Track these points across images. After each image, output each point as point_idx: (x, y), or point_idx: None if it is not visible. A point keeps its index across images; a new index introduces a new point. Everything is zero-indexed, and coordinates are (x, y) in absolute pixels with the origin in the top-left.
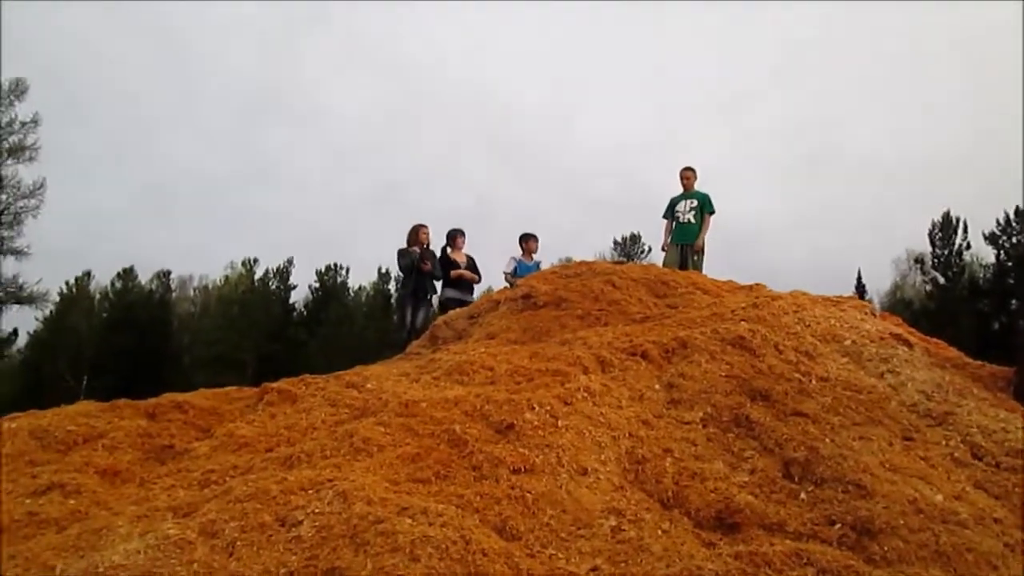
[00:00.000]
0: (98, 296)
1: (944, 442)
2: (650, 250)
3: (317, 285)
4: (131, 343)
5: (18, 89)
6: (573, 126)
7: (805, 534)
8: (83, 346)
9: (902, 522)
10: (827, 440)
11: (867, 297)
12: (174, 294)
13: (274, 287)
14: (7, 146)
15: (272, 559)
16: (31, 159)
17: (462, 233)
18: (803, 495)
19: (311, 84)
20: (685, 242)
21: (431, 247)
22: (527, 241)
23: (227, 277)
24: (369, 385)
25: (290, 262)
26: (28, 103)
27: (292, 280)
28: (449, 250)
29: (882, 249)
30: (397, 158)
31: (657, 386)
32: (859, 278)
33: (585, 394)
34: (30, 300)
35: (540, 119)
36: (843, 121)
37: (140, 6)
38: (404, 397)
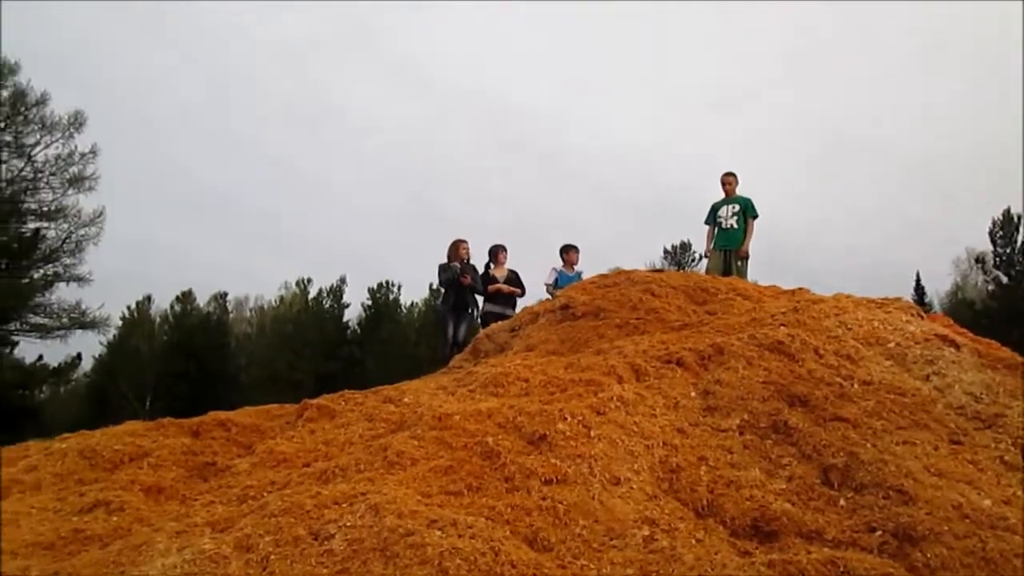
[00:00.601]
0: (158, 320)
1: (993, 445)
2: (700, 258)
3: (370, 303)
4: (191, 365)
5: (77, 121)
6: (608, 134)
7: (844, 542)
8: (145, 369)
9: (946, 528)
10: (868, 445)
11: (927, 299)
12: (231, 316)
13: (328, 306)
14: (67, 177)
15: (304, 572)
16: (90, 189)
17: (503, 248)
18: (842, 502)
19: (358, 104)
20: (728, 247)
21: (471, 262)
22: (568, 252)
23: (282, 298)
24: (406, 399)
25: (343, 281)
26: (87, 134)
27: (345, 299)
28: (491, 266)
29: (942, 250)
30: (441, 174)
31: (693, 393)
32: (918, 280)
33: (618, 403)
34: (92, 325)
35: (578, 128)
36: (889, 117)
37: (189, 33)
38: (438, 410)
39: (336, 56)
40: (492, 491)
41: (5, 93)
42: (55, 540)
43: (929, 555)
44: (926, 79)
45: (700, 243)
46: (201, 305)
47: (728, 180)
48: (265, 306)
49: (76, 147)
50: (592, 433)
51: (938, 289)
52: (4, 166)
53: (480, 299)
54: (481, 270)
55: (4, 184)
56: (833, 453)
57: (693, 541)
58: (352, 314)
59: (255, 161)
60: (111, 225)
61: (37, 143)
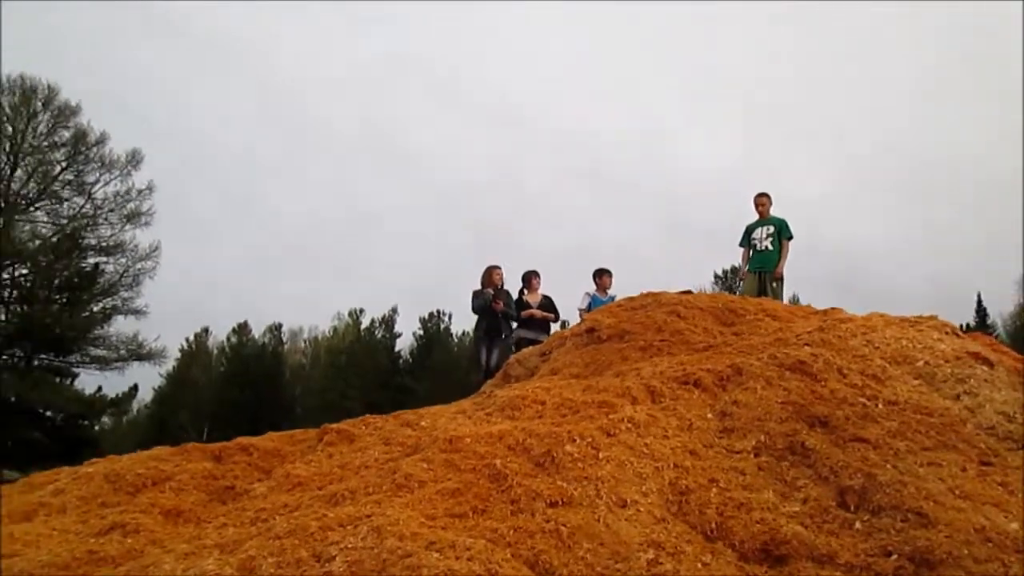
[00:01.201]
0: (216, 351)
1: None
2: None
3: (421, 332)
4: (247, 395)
5: (135, 159)
6: (669, 157)
7: (858, 566)
8: (203, 399)
9: (966, 552)
10: (888, 466)
11: (989, 320)
12: (286, 347)
13: (380, 336)
14: (125, 213)
15: None
16: (147, 224)
17: (537, 274)
18: (858, 524)
19: (410, 131)
20: (763, 269)
21: (505, 287)
22: (601, 276)
23: (335, 328)
24: (423, 423)
25: (394, 311)
26: (144, 171)
27: (397, 328)
28: (525, 291)
29: (1005, 271)
30: (498, 200)
31: (709, 415)
32: (979, 301)
33: (629, 425)
34: (149, 357)
35: (633, 150)
36: (951, 139)
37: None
38: (450, 433)
39: (397, 86)
40: (497, 513)
41: (67, 134)
42: (70, 561)
43: None
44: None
45: None
46: (257, 336)
47: (762, 201)
48: (319, 337)
49: (133, 184)
50: (600, 455)
51: (1002, 311)
52: (66, 203)
53: (514, 325)
54: (515, 295)
55: (66, 221)
56: (850, 475)
57: (699, 565)
58: (404, 343)
59: (317, 194)
60: (169, 259)
61: (97, 181)
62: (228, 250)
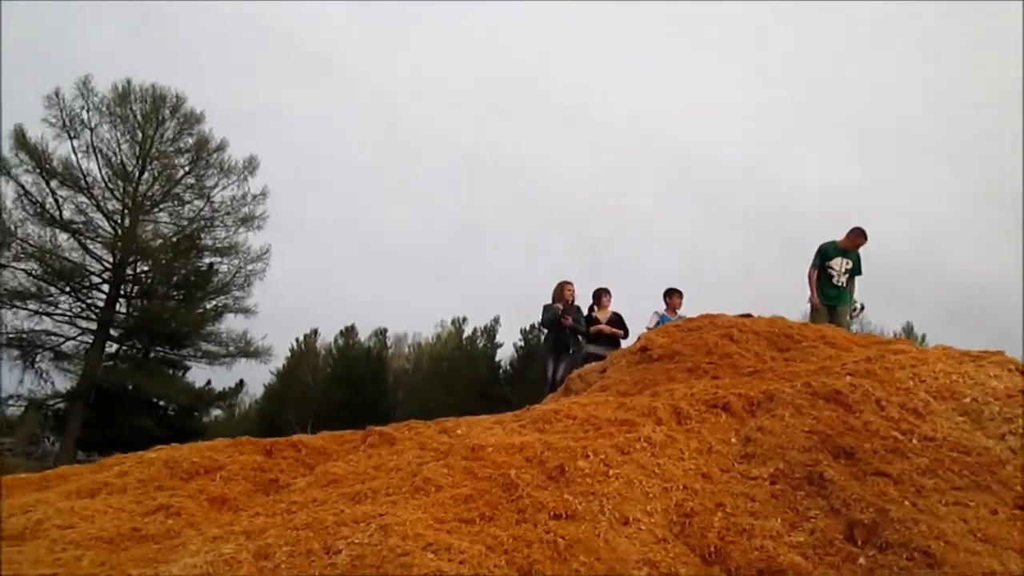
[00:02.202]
0: (323, 352)
1: None
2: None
3: (521, 344)
4: (351, 397)
5: (251, 165)
6: (782, 175)
7: None
8: (309, 398)
9: None
10: (905, 503)
11: None
12: (390, 351)
13: (481, 345)
14: (240, 216)
15: None
16: (259, 227)
17: (607, 292)
18: (862, 560)
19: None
20: (837, 304)
21: (576, 303)
22: (671, 296)
23: (438, 335)
24: (459, 431)
25: (496, 321)
26: (261, 176)
27: (498, 338)
28: (595, 308)
29: None
30: (604, 217)
31: (733, 439)
32: None
33: (645, 444)
34: (256, 354)
35: (743, 170)
36: None
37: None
38: (474, 441)
39: (502, 102)
40: (503, 521)
41: (191, 140)
42: (115, 536)
43: None
44: None
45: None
46: (363, 340)
47: (858, 236)
48: (423, 343)
49: (249, 189)
50: (611, 472)
51: None
52: (187, 206)
53: (584, 341)
54: (585, 311)
55: (186, 222)
56: (863, 508)
57: None
58: (504, 354)
59: (424, 207)
60: (282, 262)
61: (216, 185)
62: (338, 256)
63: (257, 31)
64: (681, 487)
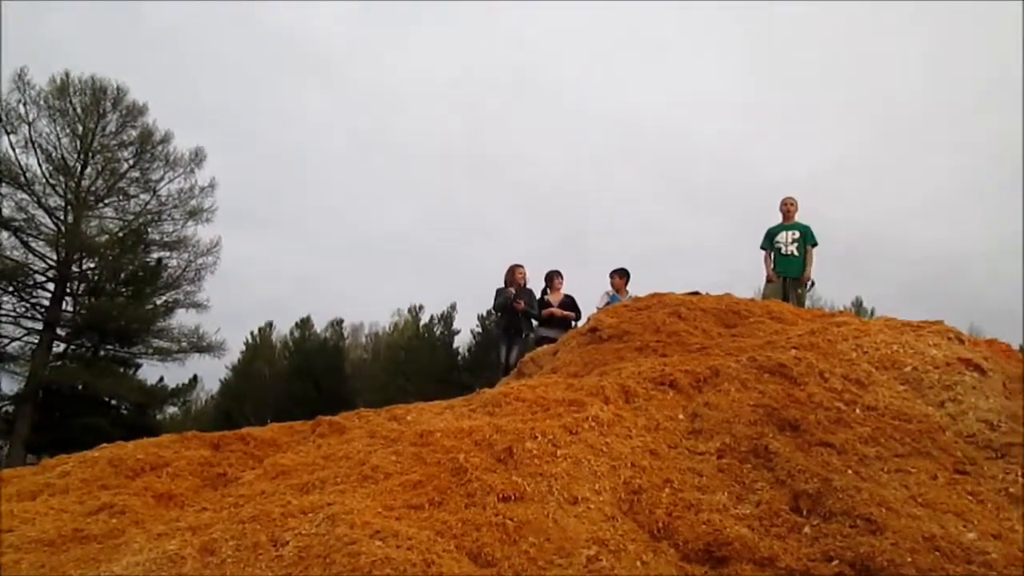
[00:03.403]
0: (279, 345)
1: (1002, 476)
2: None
3: (479, 330)
4: (309, 389)
5: (197, 158)
6: (762, 160)
7: (798, 570)
8: (266, 391)
9: (909, 560)
10: (848, 472)
11: None
12: (347, 341)
13: (438, 333)
14: (188, 209)
15: (252, 575)
16: (208, 220)
17: (559, 274)
18: (807, 529)
19: (485, 136)
20: (787, 275)
21: (528, 286)
22: (619, 277)
23: (395, 324)
24: (409, 417)
25: (453, 308)
26: (209, 169)
27: (455, 325)
28: (547, 291)
29: None
30: (581, 206)
31: (681, 416)
32: None
33: (593, 423)
34: (209, 349)
35: (725, 154)
36: None
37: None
38: (423, 427)
39: (482, 91)
40: (452, 506)
41: (135, 133)
42: (56, 538)
43: None
44: None
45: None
46: (319, 331)
47: (790, 204)
48: (379, 332)
49: (196, 181)
50: (559, 452)
51: None
52: (132, 200)
53: (536, 324)
54: (538, 294)
55: (132, 216)
56: (807, 479)
57: (638, 563)
58: (463, 340)
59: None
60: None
61: (162, 178)
62: (292, 247)
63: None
64: (629, 465)
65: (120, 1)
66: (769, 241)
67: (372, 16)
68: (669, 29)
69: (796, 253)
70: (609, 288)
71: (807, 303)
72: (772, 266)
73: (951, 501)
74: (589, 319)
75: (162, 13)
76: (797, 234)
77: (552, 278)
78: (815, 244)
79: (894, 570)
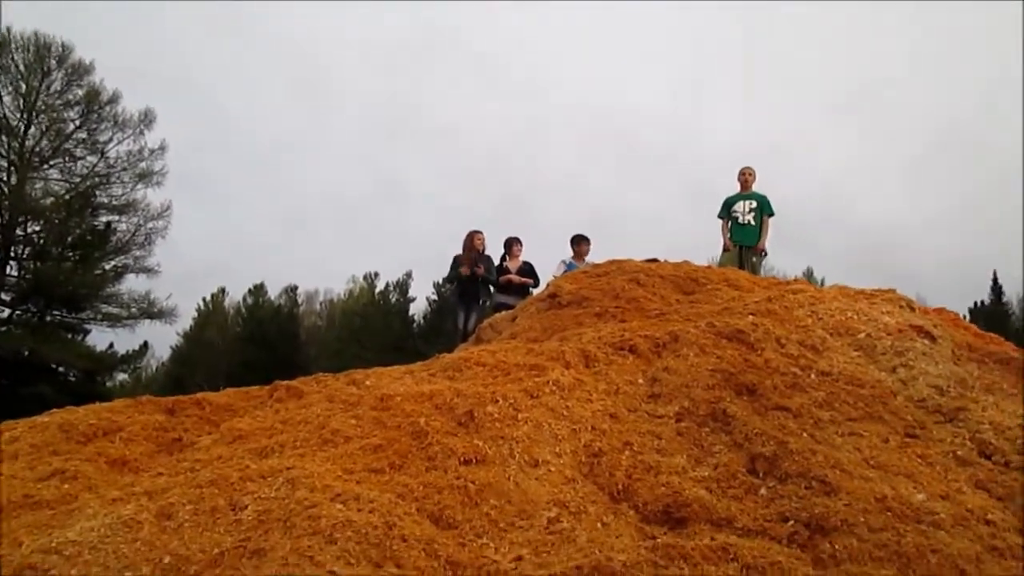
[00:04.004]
0: (232, 311)
1: (950, 439)
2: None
3: (435, 298)
4: (263, 356)
5: (147, 119)
6: (696, 130)
7: (754, 530)
8: (219, 359)
9: (862, 520)
10: (804, 435)
11: (1004, 299)
12: (301, 308)
13: (394, 300)
14: (137, 172)
15: (210, 540)
16: (158, 184)
17: (519, 241)
18: (763, 491)
19: (435, 103)
20: (744, 243)
21: (487, 252)
22: (579, 243)
23: (350, 291)
24: (368, 382)
25: (409, 275)
26: (157, 130)
27: (411, 293)
28: (506, 258)
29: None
30: (520, 173)
31: (640, 380)
32: (995, 279)
33: (553, 387)
34: (160, 315)
35: (660, 124)
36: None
37: (272, 32)
38: (383, 391)
39: (418, 56)
40: (412, 469)
41: (81, 92)
42: (5, 504)
43: (838, 546)
44: None
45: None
46: (272, 298)
47: (746, 173)
48: (334, 299)
49: (146, 143)
50: (520, 416)
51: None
52: (79, 162)
53: (494, 291)
54: (496, 261)
55: (79, 179)
56: (764, 442)
57: (598, 524)
58: (418, 308)
59: (338, 160)
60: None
61: (110, 140)
62: (246, 214)
63: None
64: (590, 428)
65: None
66: (727, 210)
67: None
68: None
69: (752, 223)
70: (565, 256)
71: (761, 272)
72: (729, 235)
73: (902, 463)
74: (548, 285)
75: None
76: (754, 203)
77: (511, 245)
78: (771, 214)
79: (848, 530)
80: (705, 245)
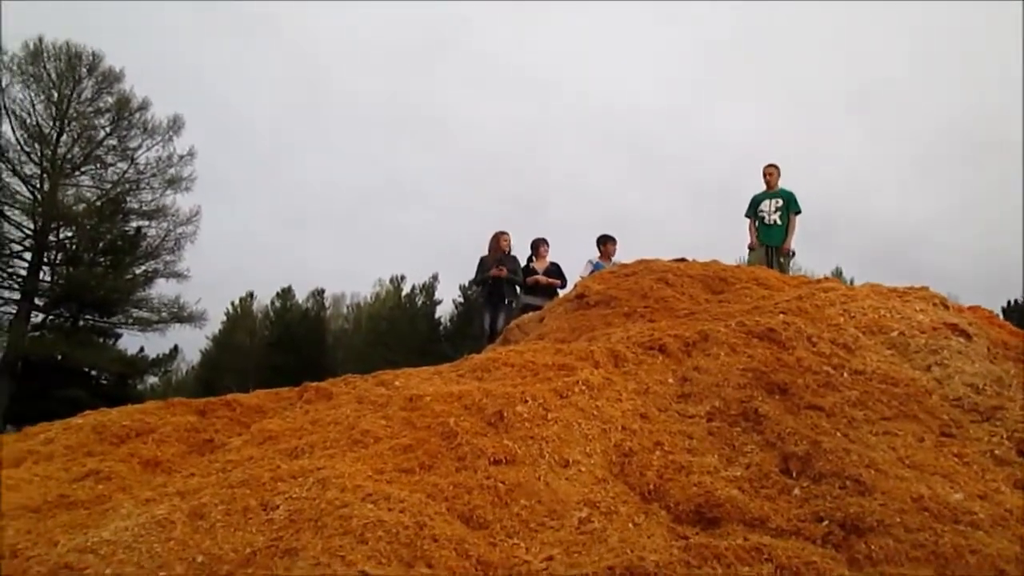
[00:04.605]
0: (260, 315)
1: (987, 439)
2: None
3: (461, 300)
4: (291, 359)
5: (175, 125)
6: (700, 129)
7: (788, 530)
8: (248, 363)
9: (898, 520)
10: (837, 434)
11: None
12: (328, 312)
13: (420, 303)
14: (167, 178)
15: (243, 539)
16: (187, 189)
17: (545, 242)
18: (797, 491)
19: (445, 104)
20: (771, 243)
21: (512, 253)
22: (605, 243)
23: (376, 294)
24: (397, 383)
25: (435, 278)
26: (185, 136)
27: (437, 295)
28: (533, 259)
29: None
30: (530, 173)
31: (670, 380)
32: None
33: (583, 387)
34: (190, 319)
35: (665, 122)
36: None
37: (277, 34)
38: (412, 392)
39: (432, 57)
40: (442, 469)
41: (111, 99)
42: (41, 504)
43: (873, 547)
44: None
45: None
46: (300, 301)
47: (770, 172)
48: (361, 303)
49: (175, 150)
50: (550, 416)
51: None
52: (110, 168)
53: (521, 292)
54: (523, 262)
55: (110, 185)
56: (796, 441)
57: (630, 524)
58: (444, 311)
59: (353, 162)
60: (215, 225)
61: (139, 146)
62: (270, 217)
63: None
64: (620, 428)
65: None
66: (753, 209)
67: None
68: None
69: (779, 222)
70: (593, 256)
71: (790, 272)
72: (757, 235)
73: (938, 463)
74: (575, 286)
75: None
76: (780, 202)
77: (538, 245)
78: (798, 211)
79: (884, 530)
80: (722, 245)
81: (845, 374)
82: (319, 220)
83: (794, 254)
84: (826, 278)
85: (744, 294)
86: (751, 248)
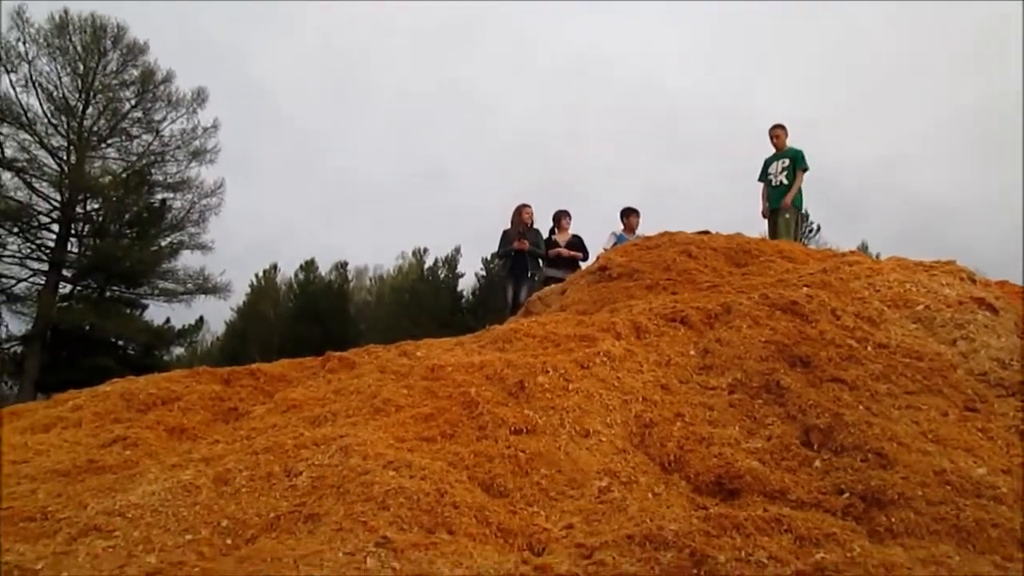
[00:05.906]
0: (284, 287)
1: (1013, 413)
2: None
3: (483, 273)
4: (314, 331)
5: (200, 97)
6: (751, 108)
7: (808, 502)
8: (271, 334)
9: (920, 493)
10: (860, 407)
11: None
12: (352, 284)
13: (443, 276)
14: (191, 150)
15: (267, 504)
16: (211, 161)
17: (567, 214)
18: (818, 463)
19: (477, 85)
20: (775, 206)
21: (535, 226)
22: (628, 216)
23: (399, 267)
24: (419, 353)
25: (457, 251)
26: (209, 109)
27: (460, 268)
28: (555, 231)
29: None
30: (563, 153)
31: (692, 351)
32: None
33: (604, 358)
34: (214, 291)
35: (710, 103)
36: None
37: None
38: (434, 362)
39: (463, 38)
40: (464, 438)
41: (136, 72)
42: (71, 468)
43: (894, 519)
44: None
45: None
46: (323, 274)
47: (777, 133)
48: (384, 275)
49: (199, 122)
50: (571, 386)
51: None
52: (135, 140)
53: (543, 264)
54: (545, 235)
55: (135, 157)
56: (818, 414)
57: (649, 495)
58: (467, 284)
59: (379, 140)
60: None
61: (164, 119)
62: (296, 192)
63: None
64: (640, 399)
65: None
66: (764, 173)
67: None
68: None
69: (785, 182)
70: (616, 228)
71: (798, 234)
72: (767, 199)
73: (961, 437)
74: (597, 258)
75: None
76: (787, 162)
77: (560, 218)
78: (806, 169)
79: (905, 503)
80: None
81: (869, 347)
82: (349, 202)
83: (806, 215)
84: (851, 251)
85: (768, 267)
86: (763, 215)
